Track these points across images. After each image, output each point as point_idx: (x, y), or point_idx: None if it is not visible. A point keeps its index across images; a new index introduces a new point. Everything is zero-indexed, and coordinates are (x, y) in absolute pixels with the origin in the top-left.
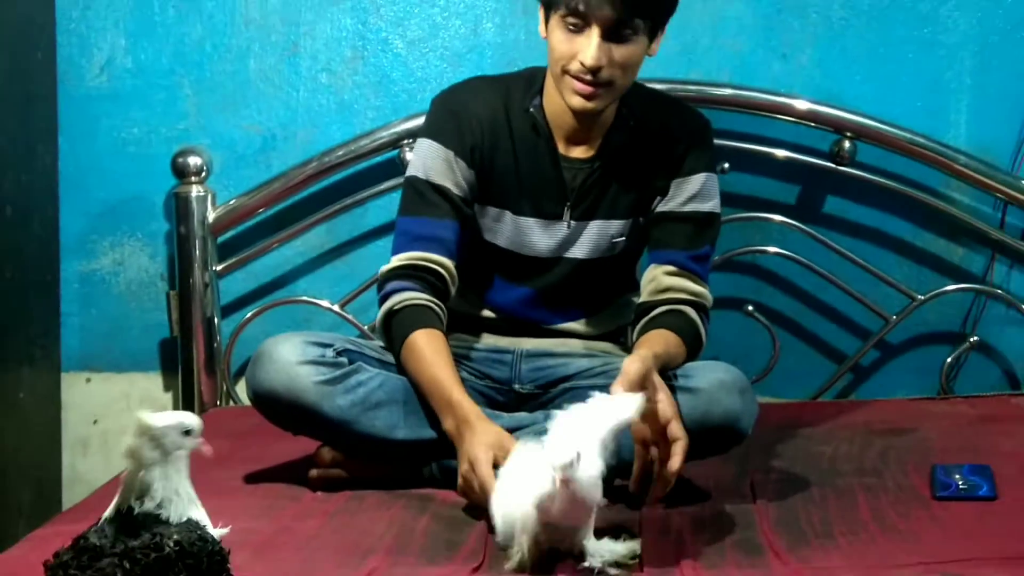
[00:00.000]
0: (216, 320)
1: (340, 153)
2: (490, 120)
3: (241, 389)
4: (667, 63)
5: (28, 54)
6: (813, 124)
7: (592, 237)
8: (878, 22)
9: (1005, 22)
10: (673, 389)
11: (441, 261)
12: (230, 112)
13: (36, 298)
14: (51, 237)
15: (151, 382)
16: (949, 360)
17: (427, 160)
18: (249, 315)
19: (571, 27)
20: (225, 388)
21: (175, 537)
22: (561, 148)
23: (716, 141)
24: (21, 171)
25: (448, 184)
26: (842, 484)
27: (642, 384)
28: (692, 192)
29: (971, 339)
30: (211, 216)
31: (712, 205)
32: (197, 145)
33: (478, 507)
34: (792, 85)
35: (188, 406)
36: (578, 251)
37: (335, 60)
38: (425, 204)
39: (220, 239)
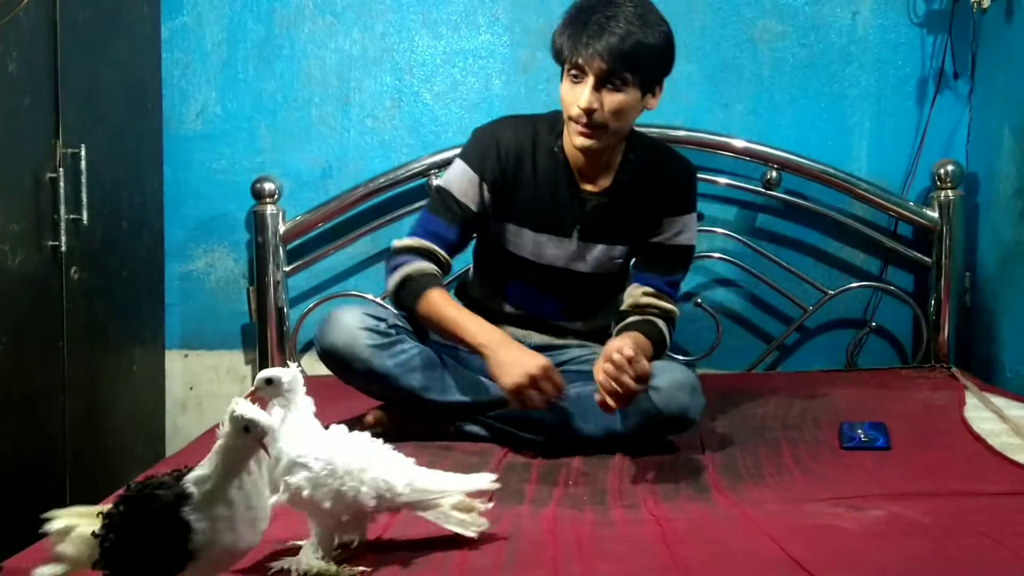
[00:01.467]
0: (285, 310)
1: (382, 180)
2: (517, 152)
3: (305, 362)
4: None
5: (140, 104)
6: (748, 158)
7: (596, 256)
8: (798, 79)
9: (896, 79)
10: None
11: (440, 252)
12: (297, 148)
13: (146, 292)
14: (157, 245)
15: (234, 358)
16: (853, 341)
17: (455, 176)
18: (311, 306)
19: (573, 78)
20: (293, 361)
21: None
22: (577, 180)
23: None
24: (135, 194)
25: (465, 200)
26: (770, 437)
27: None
28: (678, 229)
29: (870, 324)
30: (282, 229)
31: (690, 238)
32: (271, 174)
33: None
34: (731, 128)
35: None
36: (584, 266)
37: (378, 108)
38: (443, 208)
39: (289, 247)
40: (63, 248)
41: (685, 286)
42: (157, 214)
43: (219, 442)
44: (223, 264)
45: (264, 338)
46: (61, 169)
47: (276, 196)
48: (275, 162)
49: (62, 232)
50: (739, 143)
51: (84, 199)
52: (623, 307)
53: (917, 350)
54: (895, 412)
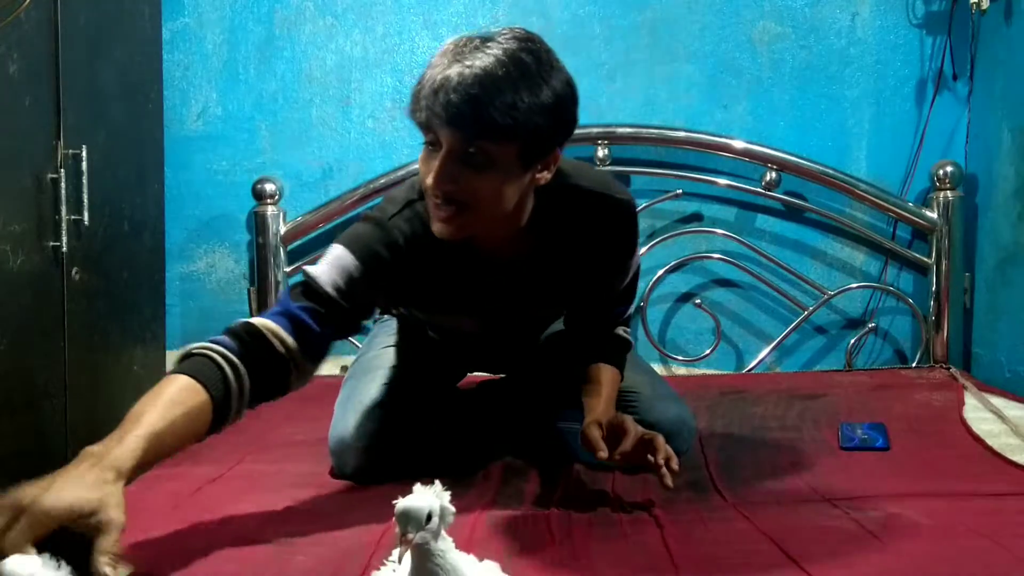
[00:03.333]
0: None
1: (382, 181)
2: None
3: None
4: (634, 112)
5: (141, 105)
6: (747, 159)
7: (521, 321)
8: (797, 81)
9: (894, 81)
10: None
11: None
12: (297, 149)
13: (147, 293)
14: (158, 246)
15: None
16: (852, 341)
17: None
18: None
19: (429, 145)
20: None
21: None
22: (480, 252)
23: (672, 172)
24: (136, 195)
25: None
26: (769, 437)
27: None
28: (617, 279)
29: (869, 325)
30: (282, 230)
31: (633, 273)
32: (272, 175)
33: None
34: (731, 129)
35: None
36: (513, 328)
37: (378, 110)
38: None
39: (289, 247)
40: (64, 249)
41: (685, 286)
42: (158, 215)
43: None
44: (224, 265)
45: None
46: (62, 170)
47: (277, 197)
48: (276, 163)
49: (63, 233)
50: (738, 144)
51: (85, 200)
52: (571, 325)
53: (916, 351)
54: (894, 412)
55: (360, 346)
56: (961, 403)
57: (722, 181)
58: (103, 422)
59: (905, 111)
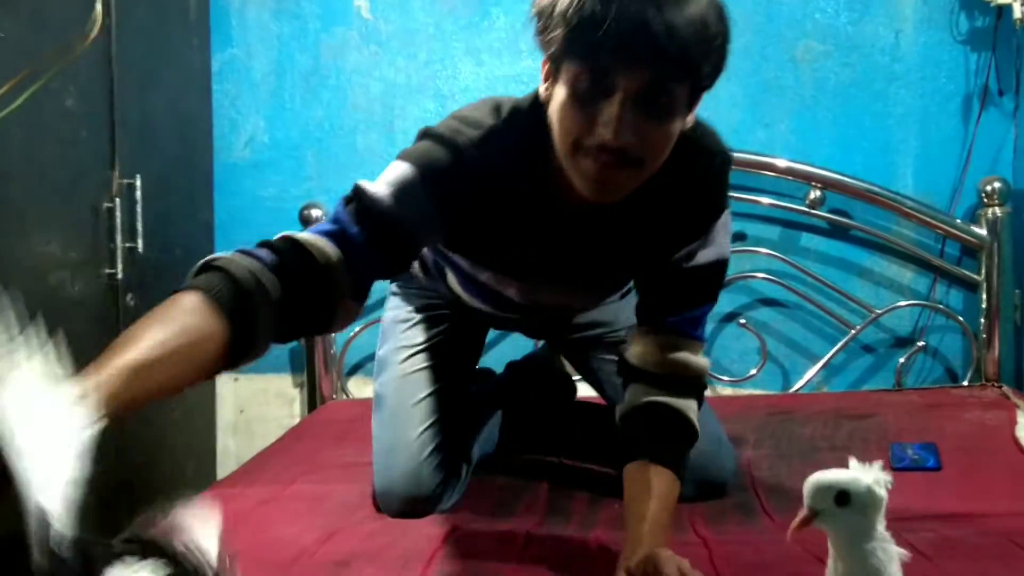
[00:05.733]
0: (332, 333)
1: None
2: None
3: (352, 385)
4: None
5: (192, 135)
6: (791, 178)
7: (574, 290)
8: (841, 98)
9: (940, 97)
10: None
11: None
12: (343, 175)
13: None
14: None
15: (283, 381)
16: (902, 360)
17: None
18: (357, 329)
19: (588, 92)
20: (340, 385)
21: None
22: (564, 203)
23: None
24: (187, 222)
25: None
26: (818, 458)
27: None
28: (697, 246)
29: (918, 343)
30: None
31: (716, 252)
32: (318, 200)
33: None
34: (774, 148)
35: (311, 400)
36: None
37: None
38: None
39: None
40: (119, 276)
41: (729, 306)
42: (208, 241)
43: None
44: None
45: (312, 362)
46: (117, 199)
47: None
48: (322, 189)
49: (118, 260)
50: (782, 163)
51: (139, 228)
52: (627, 400)
53: (967, 369)
54: (945, 432)
55: (377, 355)
56: (1013, 422)
57: (765, 200)
58: (156, 444)
59: (951, 127)
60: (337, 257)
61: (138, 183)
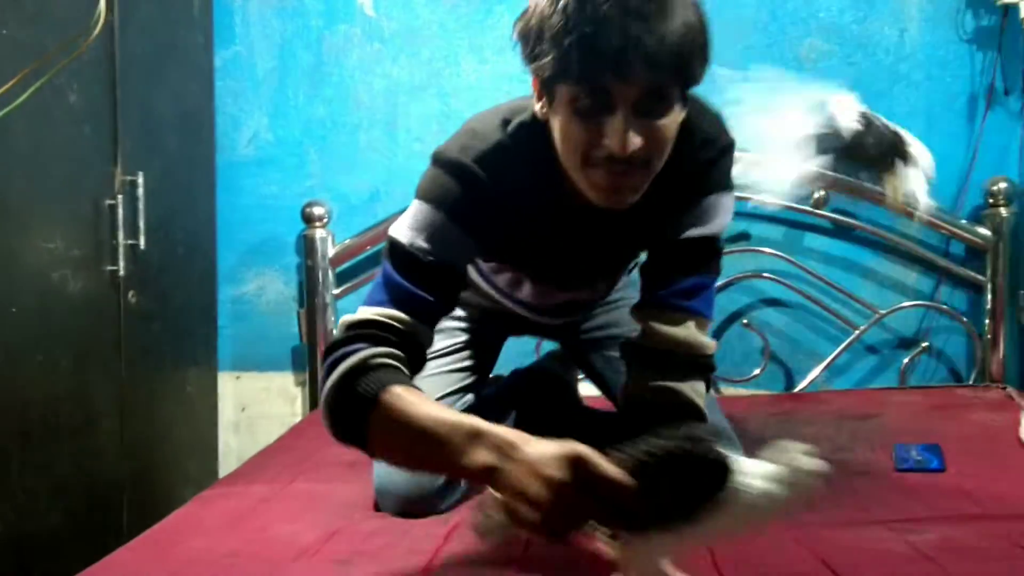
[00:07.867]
0: (335, 332)
1: None
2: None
3: None
4: None
5: (194, 132)
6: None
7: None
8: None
9: (944, 97)
10: None
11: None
12: (345, 173)
13: (200, 315)
14: (210, 269)
15: (285, 379)
16: (906, 360)
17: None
18: None
19: (588, 109)
20: None
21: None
22: (573, 201)
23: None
24: (189, 219)
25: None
26: (821, 458)
27: None
28: (698, 215)
29: (923, 344)
30: (331, 252)
31: (709, 228)
32: (320, 198)
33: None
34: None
35: (313, 398)
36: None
37: (425, 133)
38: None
39: (338, 270)
40: (121, 272)
41: (733, 306)
42: (210, 239)
43: None
44: (273, 287)
45: (314, 360)
46: (120, 196)
47: (325, 220)
48: (324, 186)
49: (120, 257)
50: None
51: (141, 225)
52: (631, 384)
53: (971, 370)
54: (949, 433)
55: None
56: (1017, 423)
57: (770, 200)
58: (158, 441)
59: (956, 127)
60: (411, 322)
61: (140, 180)
